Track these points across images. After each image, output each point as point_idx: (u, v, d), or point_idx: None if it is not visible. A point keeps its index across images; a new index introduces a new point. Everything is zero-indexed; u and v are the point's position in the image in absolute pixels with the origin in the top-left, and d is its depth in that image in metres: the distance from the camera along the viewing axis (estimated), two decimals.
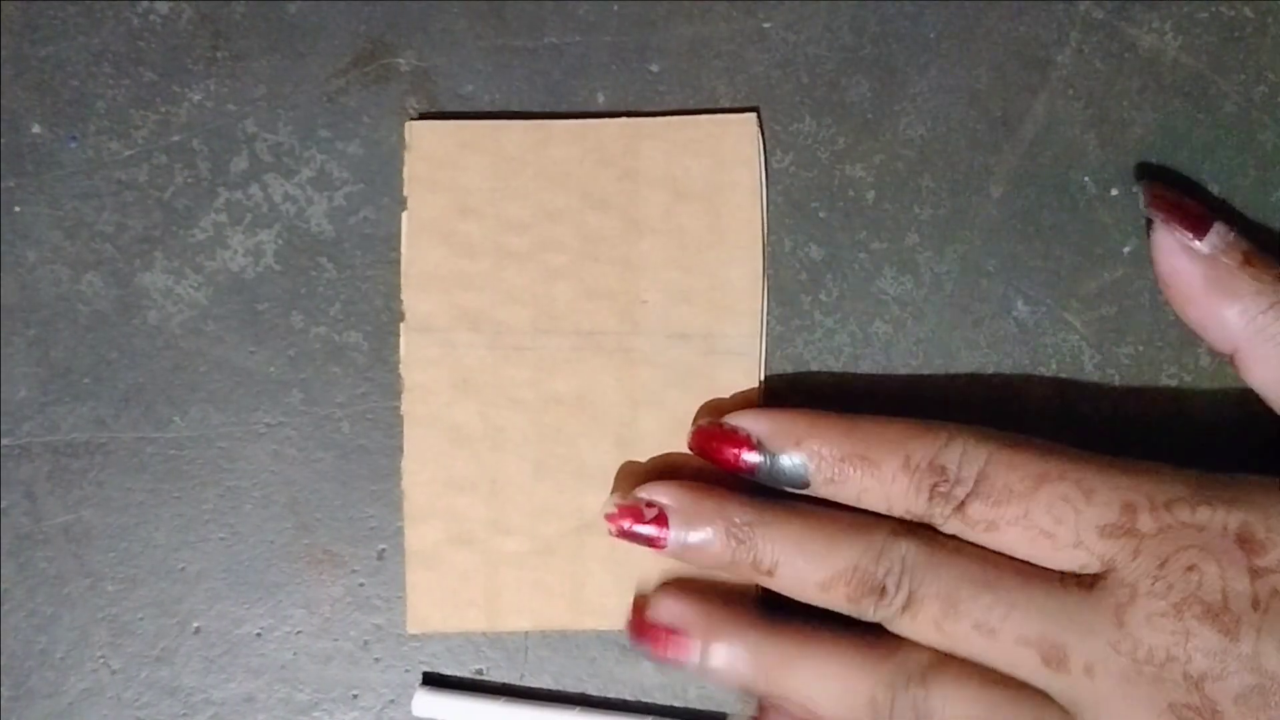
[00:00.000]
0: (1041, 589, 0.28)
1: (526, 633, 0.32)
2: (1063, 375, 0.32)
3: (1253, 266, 0.29)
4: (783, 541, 0.29)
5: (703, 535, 0.29)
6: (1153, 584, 0.27)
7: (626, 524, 0.30)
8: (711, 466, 0.30)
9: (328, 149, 0.32)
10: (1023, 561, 0.28)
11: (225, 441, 0.32)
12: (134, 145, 0.32)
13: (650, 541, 0.30)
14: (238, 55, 0.32)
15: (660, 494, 0.30)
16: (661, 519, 0.30)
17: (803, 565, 0.29)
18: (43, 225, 0.32)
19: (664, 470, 0.31)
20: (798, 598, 0.29)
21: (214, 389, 0.32)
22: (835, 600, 0.29)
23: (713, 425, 0.30)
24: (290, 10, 0.32)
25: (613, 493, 0.31)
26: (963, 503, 0.28)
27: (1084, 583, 0.28)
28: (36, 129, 0.32)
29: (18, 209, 0.32)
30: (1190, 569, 0.27)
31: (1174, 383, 0.32)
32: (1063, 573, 0.28)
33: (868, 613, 0.29)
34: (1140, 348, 0.32)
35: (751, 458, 0.30)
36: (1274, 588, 0.26)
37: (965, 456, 0.28)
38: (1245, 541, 0.27)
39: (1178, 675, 0.26)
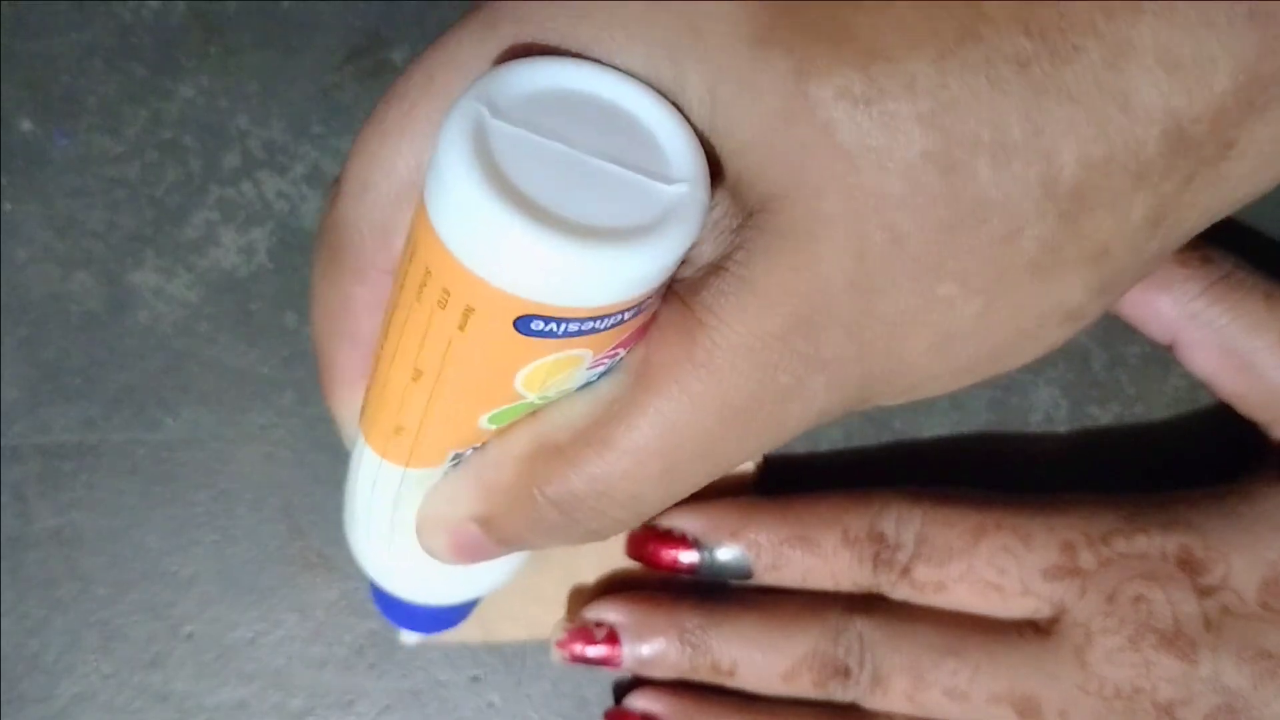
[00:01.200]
0: (1002, 644, 0.28)
1: (524, 640, 0.31)
2: (1070, 375, 0.32)
3: (1178, 253, 0.29)
4: (737, 639, 0.29)
5: (656, 647, 0.29)
6: (1105, 620, 0.27)
7: (578, 648, 0.29)
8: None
9: (321, 145, 0.32)
10: (979, 619, 0.28)
11: (217, 443, 0.32)
12: (125, 142, 0.31)
13: (604, 662, 0.29)
14: (230, 50, 0.31)
15: (608, 611, 0.29)
16: (612, 637, 0.29)
17: (761, 659, 0.28)
18: (33, 223, 0.31)
19: (614, 584, 0.31)
20: (764, 693, 0.29)
21: (206, 390, 0.31)
22: (801, 688, 0.28)
23: (646, 530, 0.30)
24: (283, 5, 0.31)
25: (564, 616, 0.31)
26: (907, 567, 0.28)
27: (1041, 630, 0.27)
28: (26, 125, 0.31)
29: (8, 206, 0.31)
30: (1138, 599, 0.27)
31: (1183, 383, 0.32)
32: (1020, 623, 0.28)
33: (836, 694, 0.28)
34: (1148, 348, 0.32)
35: (689, 556, 0.29)
36: (1222, 605, 0.26)
37: (901, 521, 0.28)
38: (1186, 563, 0.27)
39: (1147, 706, 0.26)
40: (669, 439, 0.20)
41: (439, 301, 0.18)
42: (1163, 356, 0.31)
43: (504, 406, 0.20)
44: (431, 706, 0.32)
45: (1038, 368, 0.32)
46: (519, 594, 0.31)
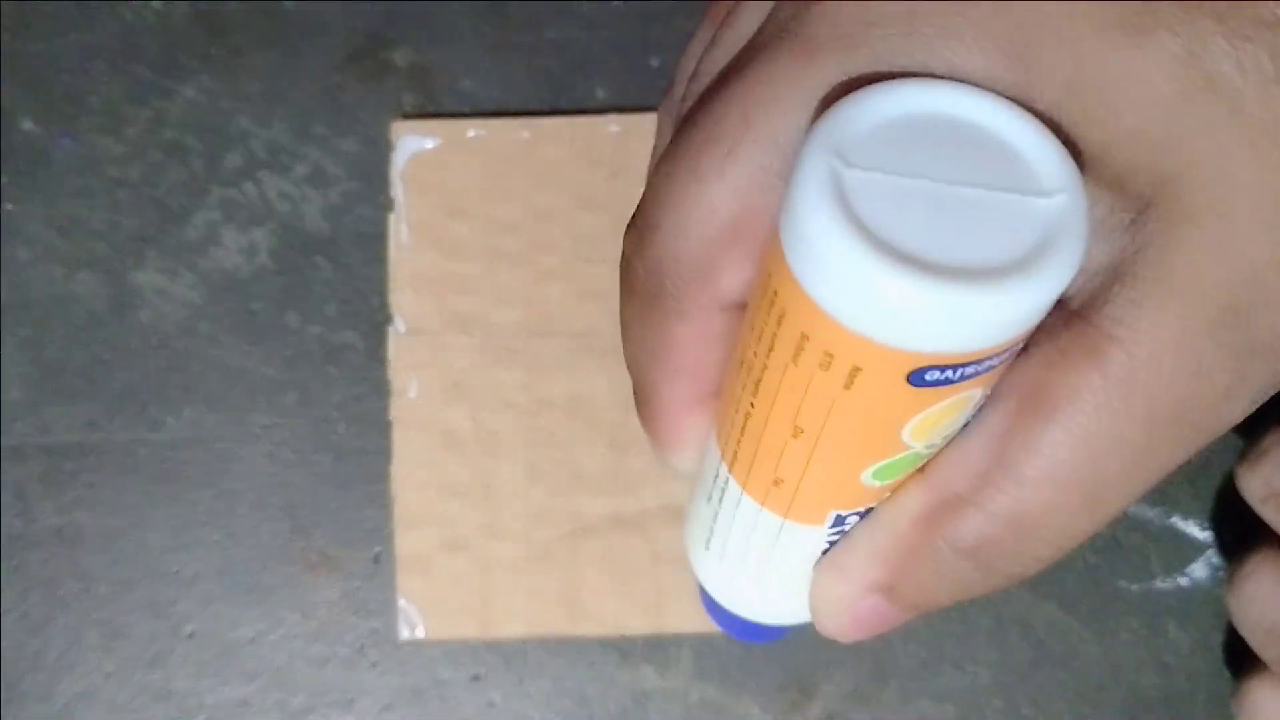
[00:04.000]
0: None
1: (524, 638, 0.31)
2: None
3: None
4: None
5: None
6: None
7: None
8: None
9: (323, 145, 0.32)
10: None
11: (220, 443, 0.32)
12: (127, 142, 0.32)
13: None
14: (232, 51, 0.32)
15: None
16: None
17: None
18: (35, 223, 0.31)
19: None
20: None
21: (208, 389, 0.32)
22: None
23: None
24: (286, 6, 0.32)
25: None
26: None
27: None
28: (29, 126, 0.32)
29: (10, 206, 0.31)
30: None
31: None
32: None
33: None
34: None
35: None
36: None
37: None
38: None
39: None
40: (1091, 464, 0.19)
41: (820, 364, 0.17)
42: None
43: (889, 459, 0.19)
44: (432, 705, 0.32)
45: None
46: (520, 593, 0.31)
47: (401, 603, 0.31)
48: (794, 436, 0.19)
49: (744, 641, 0.29)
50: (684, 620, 0.31)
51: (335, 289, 0.32)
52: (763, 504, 0.21)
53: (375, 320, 0.32)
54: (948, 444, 0.19)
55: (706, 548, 0.23)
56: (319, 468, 0.32)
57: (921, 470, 0.20)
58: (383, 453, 0.32)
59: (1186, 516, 0.32)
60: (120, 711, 0.31)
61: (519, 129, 0.31)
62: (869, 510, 0.21)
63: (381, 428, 0.32)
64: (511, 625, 0.31)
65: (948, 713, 0.31)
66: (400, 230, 0.31)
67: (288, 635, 0.32)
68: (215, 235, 0.32)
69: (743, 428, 0.20)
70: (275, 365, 0.32)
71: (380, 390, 0.32)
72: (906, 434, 0.18)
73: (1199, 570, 0.32)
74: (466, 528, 0.31)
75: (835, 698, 0.31)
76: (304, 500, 0.32)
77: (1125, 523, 0.31)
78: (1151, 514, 0.32)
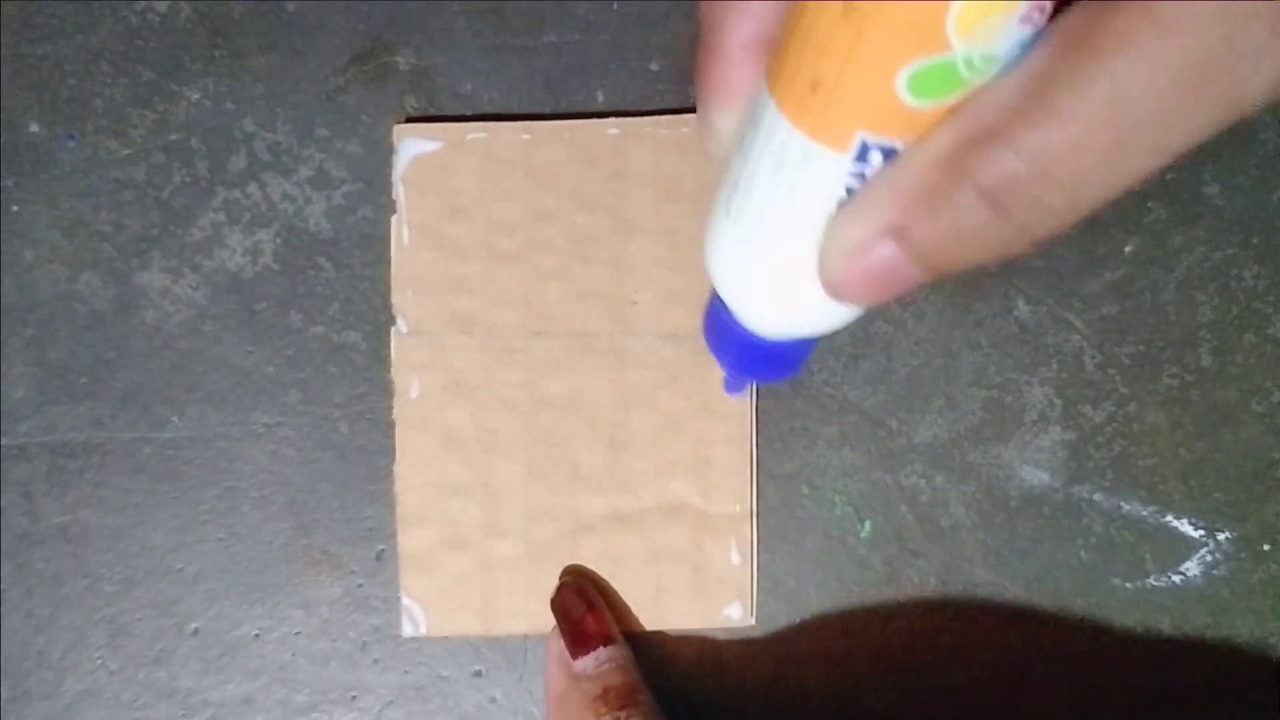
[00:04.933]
0: None
1: (525, 634, 0.32)
2: (1064, 375, 0.32)
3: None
4: None
5: None
6: None
7: None
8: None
9: (326, 148, 0.32)
10: None
11: (223, 442, 0.32)
12: (132, 144, 0.32)
13: None
14: (236, 54, 0.32)
15: None
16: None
17: None
18: (40, 224, 0.32)
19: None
20: None
21: (212, 389, 0.32)
22: None
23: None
24: (289, 9, 0.32)
25: None
26: None
27: None
28: (34, 128, 0.32)
29: (15, 208, 0.32)
30: None
31: (1175, 382, 0.32)
32: None
33: None
34: (1141, 347, 0.32)
35: None
36: None
37: None
38: None
39: None
40: (1122, 105, 0.19)
41: None
42: (1155, 357, 0.32)
43: (928, 58, 0.19)
44: (434, 702, 0.32)
45: (1031, 368, 0.32)
46: (521, 590, 0.31)
47: (404, 600, 0.31)
48: (843, 16, 0.19)
49: (739, 382, 0.28)
50: (682, 617, 0.31)
51: (338, 289, 0.32)
52: (795, 121, 0.21)
53: (377, 320, 0.32)
54: (984, 87, 0.20)
55: (727, 212, 0.23)
56: (321, 466, 0.32)
57: (955, 113, 0.20)
58: (384, 451, 0.32)
59: (1180, 515, 0.32)
60: (124, 709, 0.32)
61: (519, 131, 0.32)
62: (892, 153, 0.21)
63: (383, 427, 0.32)
64: (512, 622, 0.31)
65: (946, 709, 0.32)
66: (402, 231, 0.32)
67: (291, 632, 0.32)
68: (219, 236, 0.32)
69: (795, 26, 0.20)
70: (278, 365, 0.32)
71: (382, 389, 0.32)
72: (951, 23, 0.19)
73: (1193, 568, 0.32)
74: (467, 526, 0.31)
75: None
76: (307, 498, 0.32)
77: (1119, 521, 0.32)
78: (1145, 513, 0.32)
